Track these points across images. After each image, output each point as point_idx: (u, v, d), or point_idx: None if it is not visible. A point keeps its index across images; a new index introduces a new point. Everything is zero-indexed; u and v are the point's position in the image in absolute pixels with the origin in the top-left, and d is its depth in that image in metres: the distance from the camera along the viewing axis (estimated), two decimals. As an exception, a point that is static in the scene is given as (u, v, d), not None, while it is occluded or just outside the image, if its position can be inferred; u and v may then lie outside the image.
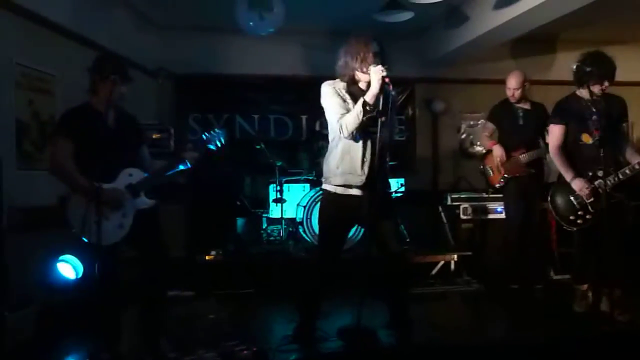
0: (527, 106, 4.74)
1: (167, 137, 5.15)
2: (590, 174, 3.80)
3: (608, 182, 3.69)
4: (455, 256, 5.34)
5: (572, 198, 3.90)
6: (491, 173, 4.89)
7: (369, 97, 3.19)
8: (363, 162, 3.29)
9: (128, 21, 5.72)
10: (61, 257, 3.91)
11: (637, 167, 3.67)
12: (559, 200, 3.99)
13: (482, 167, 5.01)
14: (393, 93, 3.21)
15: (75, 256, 3.96)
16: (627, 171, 3.69)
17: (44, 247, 3.85)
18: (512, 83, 4.67)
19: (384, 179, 3.41)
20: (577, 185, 3.82)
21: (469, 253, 5.41)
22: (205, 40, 6.29)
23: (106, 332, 3.27)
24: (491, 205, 5.56)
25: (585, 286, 4.00)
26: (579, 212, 3.87)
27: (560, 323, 3.80)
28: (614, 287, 3.75)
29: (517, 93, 4.66)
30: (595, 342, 3.21)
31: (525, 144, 4.63)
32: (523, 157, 4.63)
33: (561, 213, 3.97)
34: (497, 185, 4.81)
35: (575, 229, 3.94)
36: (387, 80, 3.13)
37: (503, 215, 5.24)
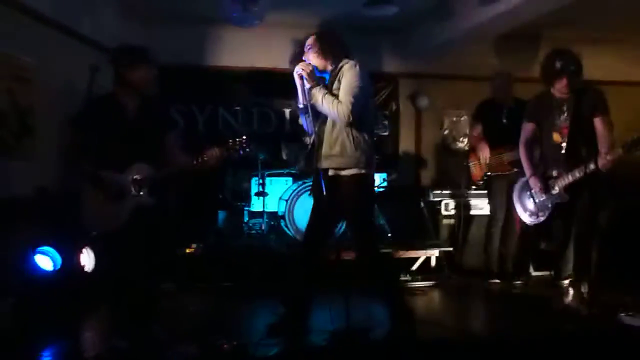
0: (511, 104, 4.78)
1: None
2: (549, 174, 3.90)
3: (560, 182, 3.79)
4: (437, 251, 5.36)
5: (528, 194, 4.04)
6: (475, 170, 4.92)
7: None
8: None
9: (111, 10, 5.62)
10: (39, 249, 3.86)
11: (586, 169, 3.60)
12: (520, 197, 4.18)
13: (466, 163, 5.04)
14: (307, 86, 3.34)
15: (54, 248, 3.92)
16: (577, 173, 3.69)
17: (21, 239, 3.79)
18: (501, 82, 4.75)
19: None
20: (531, 182, 3.97)
21: (450, 249, 5.45)
22: (189, 31, 6.21)
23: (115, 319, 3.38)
24: (473, 201, 5.59)
25: (566, 282, 4.05)
26: (533, 209, 4.02)
27: (540, 320, 3.82)
28: (583, 281, 3.86)
29: (507, 92, 4.71)
30: (569, 340, 3.25)
31: (510, 142, 4.66)
32: (507, 156, 4.66)
33: (519, 209, 4.18)
34: (480, 182, 4.84)
35: (531, 224, 4.11)
36: (301, 75, 3.31)
37: (484, 212, 5.28)
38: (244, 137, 3.37)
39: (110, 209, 3.24)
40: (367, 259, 3.51)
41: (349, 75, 3.28)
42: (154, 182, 3.29)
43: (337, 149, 3.31)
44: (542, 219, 3.99)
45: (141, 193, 3.27)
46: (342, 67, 3.35)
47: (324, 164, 3.37)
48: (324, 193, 3.28)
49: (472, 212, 5.59)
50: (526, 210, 4.12)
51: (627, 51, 6.70)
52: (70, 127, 3.33)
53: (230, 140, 3.35)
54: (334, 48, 3.42)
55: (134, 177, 3.26)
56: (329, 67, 3.42)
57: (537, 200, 3.99)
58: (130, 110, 3.32)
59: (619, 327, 3.51)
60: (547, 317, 3.82)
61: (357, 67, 3.30)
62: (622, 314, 3.58)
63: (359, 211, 3.43)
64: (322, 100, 3.27)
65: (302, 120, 3.54)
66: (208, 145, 3.37)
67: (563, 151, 3.77)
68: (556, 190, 3.84)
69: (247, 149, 3.36)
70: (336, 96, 3.28)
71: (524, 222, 4.24)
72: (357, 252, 3.60)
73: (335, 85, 3.36)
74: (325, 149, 3.37)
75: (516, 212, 4.29)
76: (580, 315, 3.71)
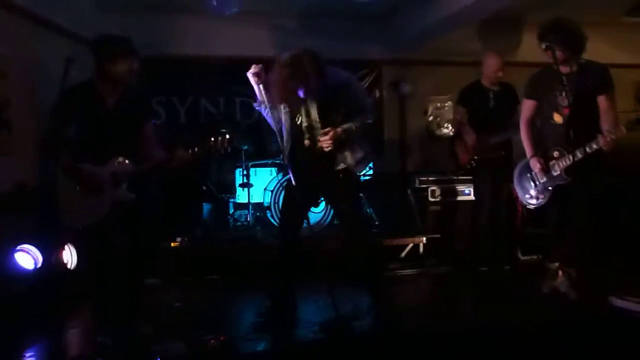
0: (496, 88, 4.75)
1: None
2: (550, 154, 3.75)
3: (561, 163, 3.66)
4: (424, 239, 5.34)
5: (529, 176, 3.92)
6: (461, 155, 4.90)
7: None
8: None
9: (87, 1, 5.49)
10: (19, 247, 3.77)
11: (587, 150, 3.49)
12: (520, 178, 4.03)
13: (452, 148, 5.02)
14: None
15: (34, 245, 3.84)
16: (579, 154, 3.54)
17: (1, 236, 3.71)
18: (495, 64, 4.67)
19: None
20: (532, 163, 3.83)
21: (438, 235, 5.44)
22: (169, 20, 6.08)
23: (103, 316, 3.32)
24: (459, 187, 5.57)
25: (557, 264, 3.91)
26: (532, 192, 3.89)
27: (530, 305, 3.80)
28: (574, 266, 3.78)
29: (500, 73, 4.67)
30: (560, 325, 3.25)
31: (495, 125, 4.65)
32: (493, 139, 4.65)
33: (520, 191, 4.03)
34: (467, 167, 4.82)
35: (532, 207, 3.96)
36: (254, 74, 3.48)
37: (471, 197, 5.27)
38: (227, 137, 3.29)
39: (89, 202, 3.18)
40: (359, 249, 3.58)
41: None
42: (133, 176, 3.23)
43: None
44: (542, 201, 3.85)
45: (120, 187, 3.20)
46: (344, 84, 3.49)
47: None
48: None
49: (459, 198, 5.57)
50: (527, 193, 3.96)
51: (612, 34, 6.73)
52: (48, 117, 3.24)
53: (212, 139, 3.28)
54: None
55: (113, 170, 3.19)
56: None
57: (537, 182, 3.85)
58: (109, 101, 3.25)
59: (611, 310, 3.50)
60: (537, 303, 3.81)
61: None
62: (613, 297, 3.57)
63: (352, 201, 3.58)
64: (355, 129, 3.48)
65: (264, 114, 3.63)
66: (181, 144, 3.32)
67: (565, 130, 3.59)
68: (557, 171, 3.70)
69: (229, 147, 3.29)
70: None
71: (522, 205, 4.17)
72: (350, 242, 3.66)
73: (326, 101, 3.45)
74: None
75: (515, 194, 4.20)
76: (571, 299, 3.69)
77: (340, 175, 3.50)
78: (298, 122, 3.54)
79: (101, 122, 3.21)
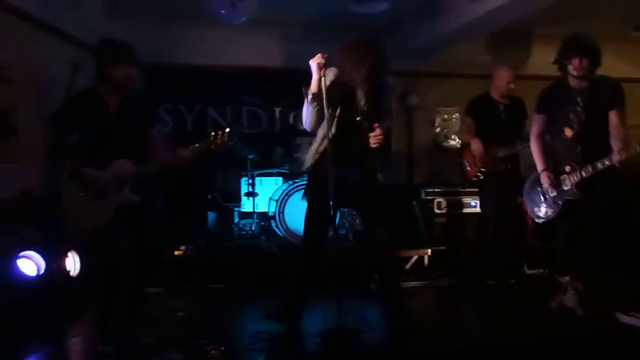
0: (506, 101, 4.74)
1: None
2: (562, 167, 3.74)
3: (572, 178, 3.65)
4: (429, 251, 5.30)
5: (539, 190, 3.91)
6: (468, 167, 4.87)
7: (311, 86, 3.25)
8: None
9: (96, 8, 5.51)
10: (21, 253, 3.76)
11: (599, 166, 3.49)
12: (530, 192, 4.03)
13: (459, 160, 4.99)
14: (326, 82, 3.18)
15: (37, 252, 3.82)
16: (590, 169, 3.54)
17: (3, 242, 3.69)
18: (507, 76, 4.66)
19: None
20: (542, 177, 3.83)
21: (443, 247, 5.39)
22: (176, 29, 6.11)
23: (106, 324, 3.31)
24: (465, 200, 5.54)
25: (567, 278, 3.89)
26: (544, 205, 3.88)
27: (534, 320, 3.76)
28: (582, 280, 3.77)
29: (512, 86, 4.66)
30: (566, 340, 3.21)
31: (503, 138, 4.63)
32: (500, 152, 4.62)
33: (529, 205, 4.03)
34: (474, 179, 4.79)
35: (540, 221, 3.96)
36: (321, 67, 3.16)
37: (477, 210, 5.23)
38: (227, 130, 3.30)
39: (92, 207, 3.19)
40: (386, 258, 3.56)
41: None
42: (136, 180, 3.23)
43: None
44: (552, 216, 3.84)
45: (124, 190, 3.20)
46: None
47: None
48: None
49: (465, 211, 5.53)
50: (536, 207, 3.96)
51: (621, 48, 6.70)
52: (51, 124, 3.27)
53: (212, 133, 3.30)
54: None
55: (115, 173, 3.20)
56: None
57: (547, 197, 3.84)
58: (111, 106, 3.27)
59: (617, 326, 3.46)
60: (542, 317, 3.76)
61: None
62: (620, 313, 3.52)
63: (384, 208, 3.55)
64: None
65: (305, 109, 3.38)
66: (181, 144, 3.32)
67: (575, 146, 3.62)
68: (567, 186, 3.69)
69: (230, 142, 3.30)
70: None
71: (531, 218, 4.17)
72: (377, 252, 3.56)
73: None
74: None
75: (524, 208, 4.22)
76: (577, 314, 3.65)
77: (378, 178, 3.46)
78: (348, 114, 3.36)
79: (103, 127, 3.23)
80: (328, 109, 3.18)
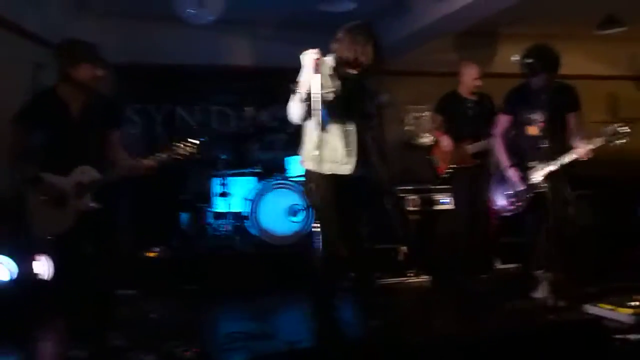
0: (474, 97, 4.81)
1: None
2: (527, 163, 3.97)
3: (541, 171, 3.87)
4: (404, 248, 5.34)
5: (506, 185, 4.11)
6: (438, 163, 4.93)
7: (301, 82, 3.14)
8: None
9: (60, 6, 5.41)
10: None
11: (566, 159, 3.75)
12: (496, 188, 4.22)
13: (429, 157, 5.05)
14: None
15: (10, 257, 3.76)
16: (558, 162, 3.79)
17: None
18: (474, 73, 4.73)
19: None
20: (510, 173, 4.04)
21: (417, 245, 5.43)
22: (145, 28, 6.04)
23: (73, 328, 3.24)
24: (437, 196, 5.58)
25: (541, 271, 4.03)
26: (511, 199, 4.08)
27: (509, 314, 3.83)
28: (554, 272, 3.89)
29: (478, 82, 4.73)
30: (540, 333, 3.27)
31: (473, 134, 4.70)
32: (470, 148, 4.69)
33: (497, 200, 4.22)
34: (445, 176, 4.86)
35: (509, 214, 4.16)
36: (317, 62, 3.08)
37: (449, 206, 5.30)
38: (192, 142, 3.21)
39: (53, 213, 3.09)
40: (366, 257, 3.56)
41: None
42: (98, 186, 3.14)
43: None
44: (520, 209, 4.05)
45: (85, 198, 3.12)
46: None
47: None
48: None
49: (437, 207, 5.59)
50: (503, 202, 4.16)
51: (583, 46, 6.88)
52: (12, 125, 3.15)
53: (176, 144, 3.20)
54: None
55: (77, 180, 3.11)
56: None
57: (515, 191, 4.04)
58: (74, 108, 3.15)
59: (584, 317, 3.54)
60: (512, 311, 3.83)
61: None
62: (588, 305, 3.62)
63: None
64: None
65: (298, 109, 3.26)
66: (149, 145, 3.26)
67: (540, 142, 3.84)
68: (534, 179, 3.91)
69: (196, 154, 3.21)
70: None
71: (499, 214, 4.33)
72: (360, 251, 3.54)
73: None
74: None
75: (492, 204, 4.36)
76: (549, 305, 3.75)
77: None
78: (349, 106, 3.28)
79: (65, 129, 3.12)
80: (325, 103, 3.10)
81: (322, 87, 3.12)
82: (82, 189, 3.10)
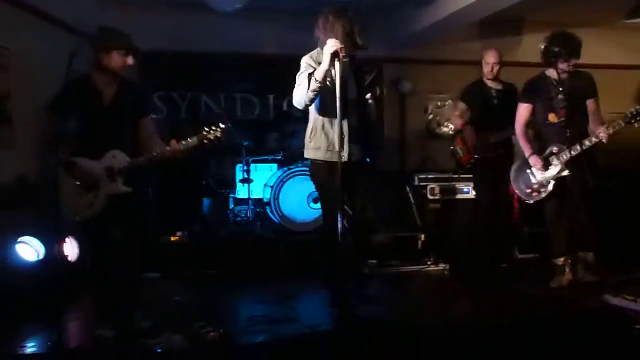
0: (500, 87, 4.77)
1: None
2: (548, 151, 4.05)
3: (562, 157, 3.96)
4: (423, 236, 5.36)
5: (529, 172, 4.18)
6: (461, 154, 4.92)
7: (319, 71, 3.21)
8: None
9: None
10: (20, 239, 3.79)
11: (587, 143, 3.86)
12: (519, 175, 4.28)
13: (452, 147, 5.04)
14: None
15: (37, 237, 3.86)
16: (579, 147, 3.86)
17: (3, 229, 3.73)
18: (492, 58, 4.70)
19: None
20: (532, 160, 4.10)
21: (437, 233, 5.45)
22: (170, 16, 6.09)
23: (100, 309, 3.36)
24: (459, 186, 5.59)
25: (562, 260, 4.12)
26: (535, 186, 4.15)
27: (525, 303, 3.84)
28: (587, 251, 4.04)
29: (497, 68, 4.70)
30: (557, 323, 3.27)
31: (496, 124, 4.65)
32: (493, 138, 4.66)
33: (520, 187, 4.28)
34: (467, 166, 4.85)
35: (532, 202, 4.21)
36: (342, 54, 3.13)
37: (470, 196, 5.29)
38: (221, 126, 3.29)
39: (86, 196, 3.21)
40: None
41: None
42: (129, 171, 3.24)
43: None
44: (543, 195, 4.11)
45: (116, 181, 3.22)
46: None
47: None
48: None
49: (458, 197, 5.59)
50: (527, 189, 4.21)
51: (608, 34, 6.76)
52: (47, 112, 3.28)
53: (206, 128, 3.29)
54: None
55: (109, 165, 3.21)
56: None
57: (538, 178, 4.11)
58: (107, 95, 3.27)
59: (606, 308, 3.53)
60: (532, 301, 3.84)
61: None
62: (609, 295, 3.62)
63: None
64: None
65: (311, 96, 3.37)
66: (175, 132, 3.34)
67: (563, 129, 3.90)
68: (557, 165, 3.99)
69: (223, 138, 3.29)
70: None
71: (521, 202, 4.43)
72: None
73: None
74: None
75: (514, 192, 4.40)
76: (567, 296, 3.77)
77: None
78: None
79: (98, 116, 3.23)
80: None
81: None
82: (113, 174, 3.20)
